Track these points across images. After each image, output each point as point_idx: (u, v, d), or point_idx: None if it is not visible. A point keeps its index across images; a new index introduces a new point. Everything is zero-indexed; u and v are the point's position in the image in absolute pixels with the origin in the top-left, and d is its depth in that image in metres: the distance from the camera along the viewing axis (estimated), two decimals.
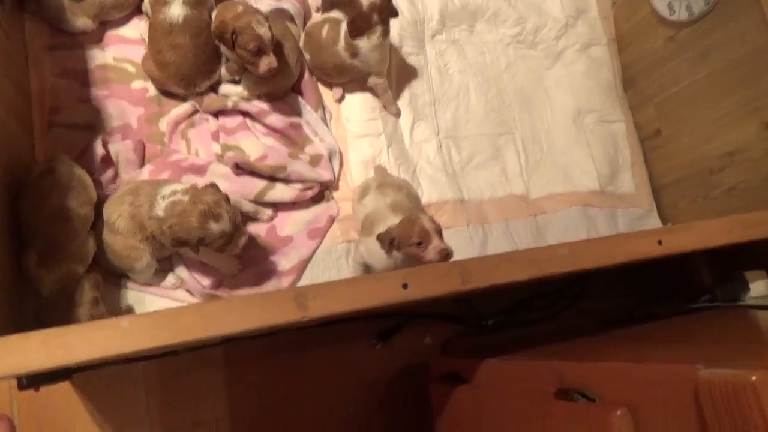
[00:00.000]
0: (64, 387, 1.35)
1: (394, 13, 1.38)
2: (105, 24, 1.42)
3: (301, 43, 1.48)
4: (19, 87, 1.29)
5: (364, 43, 1.37)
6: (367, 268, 1.33)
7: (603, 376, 0.79)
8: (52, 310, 1.12)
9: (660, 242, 1.02)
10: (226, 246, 1.16)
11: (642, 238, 1.03)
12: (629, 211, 1.63)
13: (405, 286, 0.89)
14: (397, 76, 1.60)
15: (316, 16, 1.53)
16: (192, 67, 1.32)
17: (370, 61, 1.41)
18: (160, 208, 1.14)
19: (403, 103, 1.59)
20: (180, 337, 0.79)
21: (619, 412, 0.72)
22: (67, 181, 1.18)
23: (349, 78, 1.51)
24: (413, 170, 1.54)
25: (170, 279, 1.29)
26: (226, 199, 1.14)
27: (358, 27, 1.35)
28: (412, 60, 1.63)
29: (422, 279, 0.90)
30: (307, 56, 1.49)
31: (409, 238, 1.14)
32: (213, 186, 1.15)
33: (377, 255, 1.22)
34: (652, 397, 0.69)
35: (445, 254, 1.12)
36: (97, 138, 1.29)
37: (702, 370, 0.61)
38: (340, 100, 1.55)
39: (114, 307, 1.26)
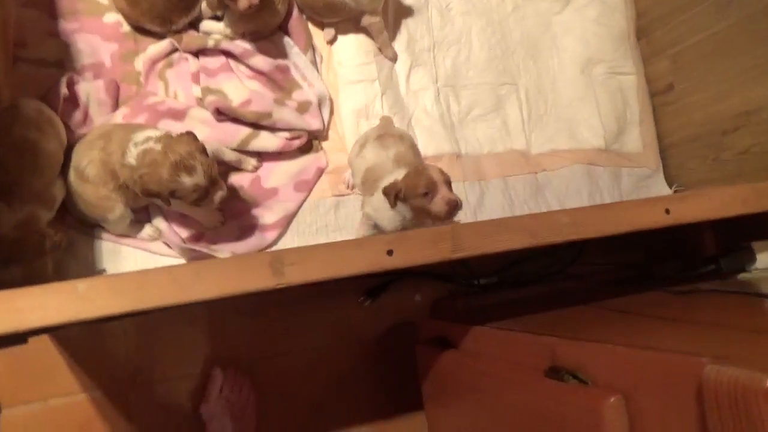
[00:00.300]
0: (43, 340, 1.31)
1: None
2: None
3: None
4: None
5: None
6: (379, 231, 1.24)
7: (598, 358, 0.73)
8: (6, 261, 1.04)
9: (668, 211, 0.95)
10: (201, 201, 1.09)
11: (648, 206, 0.95)
12: (634, 171, 1.55)
13: (390, 252, 0.82)
14: (394, 16, 1.48)
15: None
16: (166, 3, 1.20)
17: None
18: (132, 156, 1.06)
19: (399, 46, 1.47)
20: (143, 304, 0.72)
21: (612, 399, 0.67)
22: (34, 117, 1.08)
23: (342, 17, 1.39)
24: (408, 120, 1.45)
25: (147, 230, 1.21)
26: (202, 150, 1.06)
27: None
28: (410, 1, 1.51)
29: (409, 245, 0.83)
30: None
31: (416, 189, 1.06)
32: (189, 135, 1.06)
33: (384, 212, 1.14)
34: (650, 386, 0.64)
35: (454, 205, 1.06)
36: (65, 76, 1.19)
37: (708, 365, 0.55)
38: (332, 41, 1.43)
39: (87, 262, 1.19)
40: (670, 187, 1.56)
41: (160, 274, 0.73)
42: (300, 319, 1.50)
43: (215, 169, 1.08)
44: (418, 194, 1.07)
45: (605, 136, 1.55)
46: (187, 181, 1.03)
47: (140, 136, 1.08)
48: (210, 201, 1.10)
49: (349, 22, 1.42)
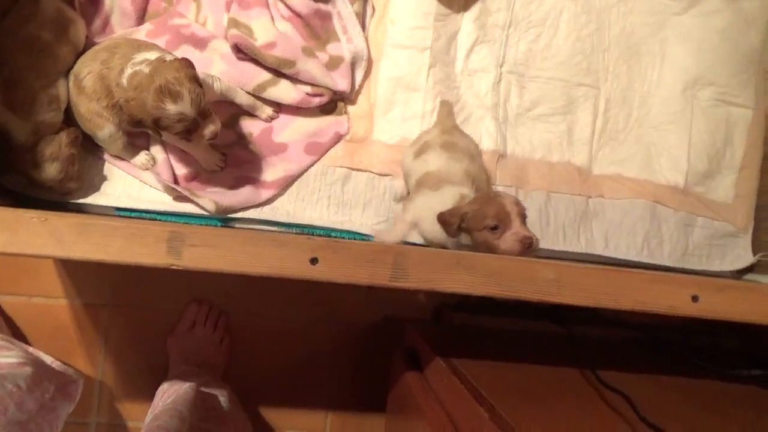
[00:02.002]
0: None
1: None
2: None
3: None
4: None
5: None
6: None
7: None
8: (23, 161, 1.03)
9: (695, 298, 0.73)
10: (190, 134, 1.00)
11: (672, 285, 0.74)
12: (713, 224, 1.26)
13: (314, 261, 0.69)
14: None
15: None
16: None
17: None
18: (125, 77, 0.99)
19: (467, 17, 1.27)
20: (14, 249, 0.65)
21: None
22: (52, 16, 1.04)
23: None
24: (455, 101, 1.26)
25: (141, 157, 1.15)
26: (192, 77, 0.95)
27: None
28: None
29: (338, 258, 0.70)
30: None
31: (484, 220, 0.90)
32: (182, 61, 0.96)
33: (431, 225, 0.99)
34: None
35: (528, 244, 0.88)
36: None
37: None
38: None
39: (86, 173, 1.16)
40: (754, 255, 1.26)
41: (38, 222, 0.65)
42: (293, 285, 1.41)
43: (205, 100, 0.98)
44: (486, 227, 0.90)
45: (688, 173, 1.27)
46: (171, 108, 0.93)
47: (139, 57, 1.00)
48: (200, 135, 1.00)
49: None
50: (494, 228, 0.89)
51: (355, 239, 1.18)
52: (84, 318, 1.35)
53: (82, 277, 1.35)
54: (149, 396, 1.25)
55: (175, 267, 0.67)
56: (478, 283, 0.70)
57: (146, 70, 0.96)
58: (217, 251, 0.68)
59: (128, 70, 0.99)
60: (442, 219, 0.94)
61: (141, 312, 1.36)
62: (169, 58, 0.99)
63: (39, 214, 0.66)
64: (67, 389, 1.18)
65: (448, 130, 1.15)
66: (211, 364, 1.33)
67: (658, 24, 1.33)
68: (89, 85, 1.04)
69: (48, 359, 1.20)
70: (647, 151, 1.29)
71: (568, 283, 0.70)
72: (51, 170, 1.02)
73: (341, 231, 1.18)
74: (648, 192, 1.26)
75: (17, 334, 1.32)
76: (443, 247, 0.99)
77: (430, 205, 1.00)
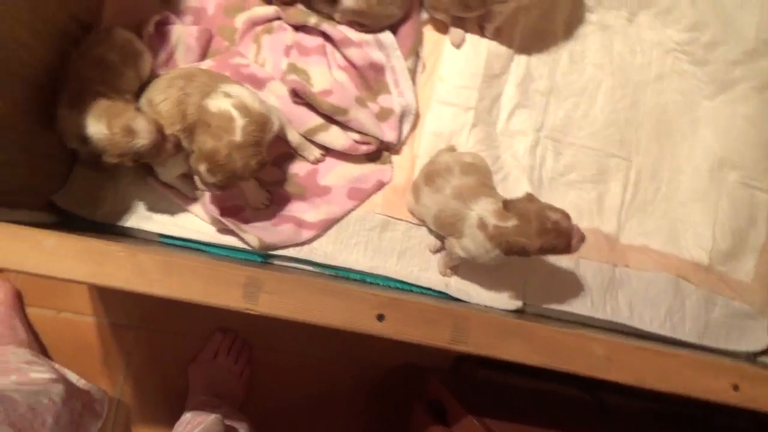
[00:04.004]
0: None
1: None
2: None
3: None
4: None
5: None
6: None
7: None
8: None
9: (736, 387, 0.76)
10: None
11: (712, 374, 0.77)
12: (733, 304, 1.30)
13: (380, 317, 0.72)
14: (518, 46, 1.34)
15: None
16: None
17: None
18: (215, 107, 1.02)
19: (511, 82, 1.33)
20: (100, 280, 0.68)
21: None
22: (120, 44, 1.09)
23: (486, 9, 1.24)
24: (492, 161, 1.30)
25: (191, 187, 1.17)
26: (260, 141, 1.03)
27: None
28: (543, 34, 1.35)
29: (403, 316, 0.72)
30: None
31: (548, 241, 0.99)
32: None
33: (482, 252, 1.05)
34: None
35: (583, 238, 1.03)
36: (159, 15, 1.17)
37: None
38: (460, 44, 1.30)
39: (128, 192, 1.17)
40: None
41: (123, 255, 0.68)
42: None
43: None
44: (554, 248, 1.00)
45: (712, 251, 1.31)
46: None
47: (225, 88, 1.05)
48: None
49: (476, 25, 1.30)
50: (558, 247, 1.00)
51: (389, 286, 1.21)
52: (109, 338, 1.36)
53: (112, 296, 1.36)
54: (165, 421, 1.26)
55: (250, 312, 0.70)
56: (533, 354, 0.73)
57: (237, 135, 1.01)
58: (291, 300, 0.70)
59: (221, 102, 1.03)
60: (508, 253, 1.00)
61: (166, 336, 1.37)
62: (249, 102, 1.04)
63: (126, 248, 0.68)
64: (93, 406, 1.18)
65: (432, 162, 1.20)
66: (230, 396, 1.33)
67: (689, 105, 1.40)
68: (165, 110, 1.07)
69: (73, 377, 1.21)
70: (674, 226, 1.34)
71: (618, 361, 0.74)
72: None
73: (376, 276, 1.21)
74: (672, 266, 1.30)
75: (40, 349, 1.33)
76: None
77: (470, 246, 1.06)
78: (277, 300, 0.70)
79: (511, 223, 0.99)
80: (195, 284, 0.69)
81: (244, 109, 1.02)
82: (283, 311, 0.70)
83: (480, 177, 1.12)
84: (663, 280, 1.28)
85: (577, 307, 1.24)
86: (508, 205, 1.01)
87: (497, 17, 1.26)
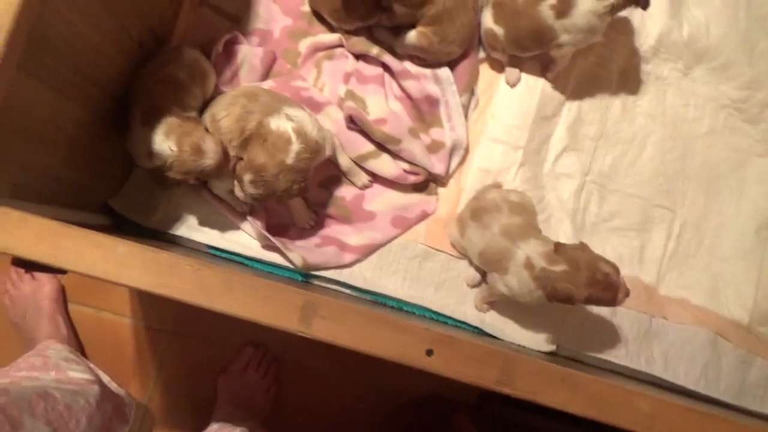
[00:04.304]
0: None
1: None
2: None
3: (490, 19, 1.25)
4: None
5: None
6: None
7: None
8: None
9: None
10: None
11: None
12: None
13: (429, 352, 0.73)
14: (572, 90, 1.35)
15: None
16: (348, 2, 1.18)
17: (579, 25, 1.16)
18: (279, 128, 1.06)
19: (562, 124, 1.34)
20: (165, 291, 0.70)
21: None
22: (189, 63, 1.13)
23: (542, 50, 1.26)
24: (537, 201, 1.30)
25: (241, 202, 1.19)
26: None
27: None
28: (597, 81, 1.36)
29: (452, 353, 0.73)
30: (500, 30, 1.24)
31: (597, 292, 1.00)
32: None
33: (525, 292, 1.07)
34: None
35: (628, 293, 1.04)
36: (229, 34, 1.22)
37: None
38: (515, 83, 1.32)
39: (182, 201, 1.21)
40: None
41: (189, 270, 0.70)
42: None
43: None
44: (599, 300, 1.01)
45: (753, 312, 1.29)
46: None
47: (288, 111, 1.09)
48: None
49: (537, 63, 1.32)
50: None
51: (425, 316, 1.22)
52: (143, 341, 1.38)
53: (150, 299, 1.39)
54: (191, 429, 1.27)
55: (303, 334, 0.71)
56: (577, 404, 0.73)
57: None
58: (343, 327, 0.72)
59: (282, 122, 1.07)
60: (551, 300, 1.01)
61: (198, 344, 1.40)
62: (309, 128, 1.08)
63: (193, 262, 0.71)
64: (122, 410, 1.21)
65: (478, 198, 1.21)
66: (255, 410, 1.35)
67: (739, 162, 1.39)
68: (226, 125, 1.10)
69: (105, 379, 1.24)
70: (715, 282, 1.33)
71: (662, 419, 0.73)
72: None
73: (413, 305, 1.22)
74: (711, 322, 1.28)
75: (77, 346, 1.36)
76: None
77: (513, 284, 1.07)
78: (330, 326, 0.71)
79: (560, 268, 0.99)
80: (254, 303, 0.71)
81: (302, 134, 1.05)
82: (335, 338, 0.71)
83: (527, 217, 1.13)
84: (701, 336, 1.27)
85: (612, 355, 1.23)
86: (559, 250, 1.02)
87: (559, 62, 1.27)
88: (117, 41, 1.03)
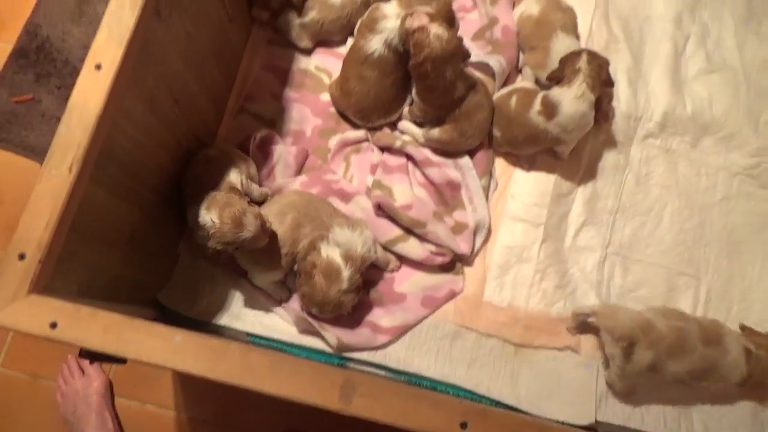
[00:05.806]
0: None
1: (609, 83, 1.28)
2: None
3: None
4: (226, 70, 1.40)
5: (564, 96, 1.25)
6: None
7: None
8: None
9: None
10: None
11: None
12: None
13: (464, 425, 0.76)
14: (586, 167, 1.43)
15: (503, 89, 1.41)
16: (371, 103, 1.32)
17: (570, 121, 1.27)
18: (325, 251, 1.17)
19: (579, 200, 1.41)
20: (216, 375, 0.77)
21: None
22: (219, 146, 1.28)
23: (541, 148, 1.37)
24: (562, 275, 1.35)
25: (280, 292, 1.27)
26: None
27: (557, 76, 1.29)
28: (609, 156, 1.44)
29: (486, 425, 0.76)
30: (497, 133, 1.37)
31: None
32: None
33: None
34: None
35: None
36: (272, 134, 1.35)
37: None
38: (529, 169, 1.43)
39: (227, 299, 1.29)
40: None
41: (237, 354, 0.76)
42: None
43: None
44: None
45: None
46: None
47: (335, 233, 1.19)
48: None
49: (545, 154, 1.41)
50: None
51: (458, 395, 1.24)
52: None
53: (192, 390, 1.44)
54: None
55: (343, 413, 0.76)
56: None
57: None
58: (381, 403, 0.76)
59: (331, 251, 1.17)
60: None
61: None
62: (355, 250, 1.19)
63: (241, 347, 0.77)
64: None
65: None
66: None
67: (758, 226, 1.43)
68: (280, 231, 1.18)
69: None
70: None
71: None
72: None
73: (446, 384, 1.24)
74: (752, 391, 1.27)
75: None
76: None
77: None
78: (369, 403, 0.76)
79: None
80: (297, 383, 0.76)
81: (350, 258, 1.16)
82: (373, 414, 0.75)
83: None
84: (740, 405, 1.25)
85: (652, 426, 1.22)
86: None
87: (566, 151, 1.37)
88: (170, 150, 1.16)
